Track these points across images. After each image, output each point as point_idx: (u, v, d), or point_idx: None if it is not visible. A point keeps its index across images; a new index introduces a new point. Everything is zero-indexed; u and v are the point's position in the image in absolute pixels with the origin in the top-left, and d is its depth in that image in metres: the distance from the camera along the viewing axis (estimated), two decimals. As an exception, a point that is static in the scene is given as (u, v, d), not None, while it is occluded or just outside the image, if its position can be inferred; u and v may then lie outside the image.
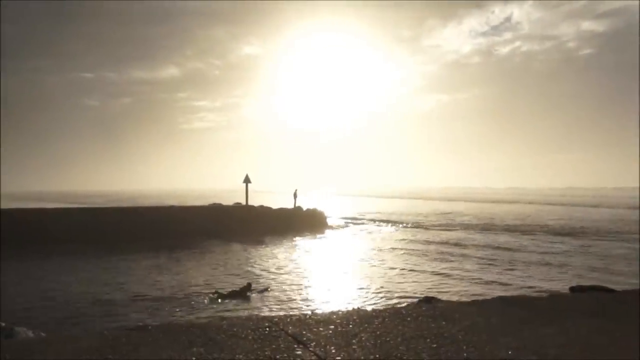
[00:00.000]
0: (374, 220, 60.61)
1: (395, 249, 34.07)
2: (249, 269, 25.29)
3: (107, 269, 25.38)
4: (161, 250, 32.54)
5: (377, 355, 3.41)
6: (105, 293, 19.64)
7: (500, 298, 5.94)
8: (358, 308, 5.36)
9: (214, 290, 19.26)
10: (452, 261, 28.34)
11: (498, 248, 34.43)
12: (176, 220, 40.26)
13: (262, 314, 15.72)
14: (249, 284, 19.70)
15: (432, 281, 22.61)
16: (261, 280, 21.90)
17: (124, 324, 13.87)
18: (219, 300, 18.09)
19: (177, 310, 16.86)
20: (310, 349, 3.55)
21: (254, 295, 19.07)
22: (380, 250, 33.26)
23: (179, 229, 39.29)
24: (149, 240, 36.06)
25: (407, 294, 19.77)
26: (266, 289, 19.96)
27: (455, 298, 18.61)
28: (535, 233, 44.81)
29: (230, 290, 19.23)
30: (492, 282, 22.41)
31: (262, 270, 24.85)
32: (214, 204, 49.73)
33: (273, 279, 22.48)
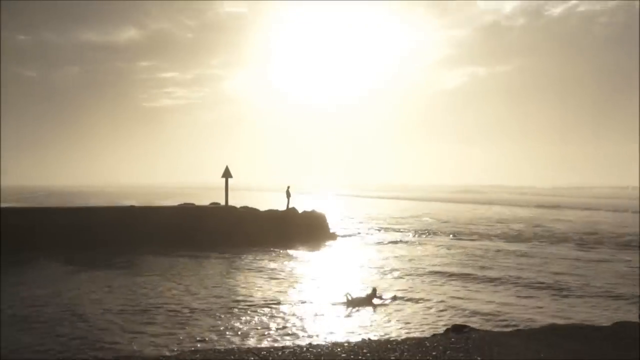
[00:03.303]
0: (387, 227, 60.67)
1: (419, 262, 34.32)
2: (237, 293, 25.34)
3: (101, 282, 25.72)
4: (119, 262, 32.90)
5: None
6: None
7: (551, 327, 5.96)
8: (368, 339, 5.38)
9: (345, 293, 22.17)
10: (486, 278, 28.49)
11: (538, 263, 34.59)
12: (137, 225, 40.25)
13: (246, 346, 15.78)
14: (374, 290, 22.55)
15: (462, 303, 22.68)
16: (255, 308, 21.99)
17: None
18: (350, 308, 21.36)
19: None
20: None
21: (379, 302, 22.12)
22: (401, 265, 33.43)
23: (140, 235, 39.29)
24: (102, 248, 36.39)
25: (431, 320, 19.90)
26: (394, 298, 22.83)
27: (492, 325, 18.66)
28: (590, 244, 44.96)
29: (357, 296, 22.15)
30: (536, 305, 22.48)
31: (255, 297, 24.96)
32: (185, 204, 49.79)
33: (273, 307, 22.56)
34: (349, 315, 20.73)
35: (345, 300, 22.08)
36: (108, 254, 35.22)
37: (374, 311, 21.28)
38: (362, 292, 22.95)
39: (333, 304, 22.06)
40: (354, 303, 21.83)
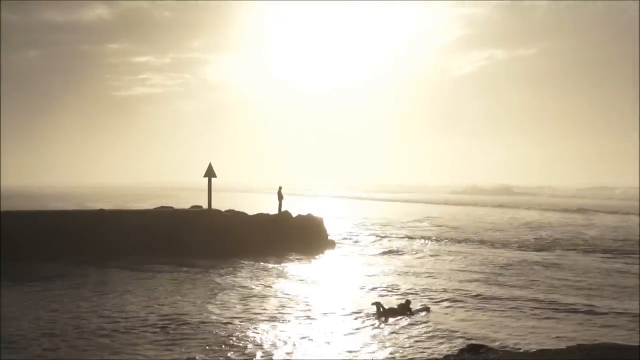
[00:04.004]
0: (391, 234, 60.89)
1: (429, 274, 34.76)
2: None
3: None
4: (80, 277, 33.12)
5: None
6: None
7: (578, 347, 6.15)
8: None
9: (374, 302, 24.03)
10: (508, 293, 28.88)
11: (566, 275, 35.01)
12: (107, 231, 40.33)
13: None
14: (408, 302, 24.22)
15: (478, 318, 23.05)
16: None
17: None
18: (382, 318, 22.86)
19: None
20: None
21: (412, 315, 23.47)
22: (409, 278, 33.94)
23: (109, 244, 39.37)
24: (63, 260, 36.61)
25: (444, 340, 20.14)
26: (426, 310, 24.35)
27: (512, 345, 18.85)
28: (624, 253, 45.33)
29: (389, 306, 23.75)
30: (564, 325, 22.72)
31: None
32: (162, 207, 49.85)
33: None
34: (351, 333, 21.06)
35: (376, 310, 23.40)
36: (69, 266, 35.40)
37: (407, 323, 22.31)
38: (391, 303, 24.44)
39: (367, 315, 23.39)
40: (387, 314, 23.11)
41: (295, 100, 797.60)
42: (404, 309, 23.65)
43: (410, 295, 27.35)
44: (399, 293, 28.67)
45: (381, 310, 23.36)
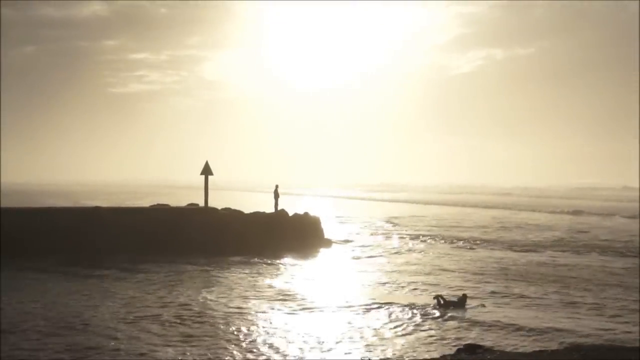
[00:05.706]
0: (388, 233, 60.98)
1: (429, 274, 34.81)
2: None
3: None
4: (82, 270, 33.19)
5: None
6: None
7: (576, 347, 6.00)
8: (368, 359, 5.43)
9: (435, 295, 25.53)
10: (499, 292, 28.89)
11: (559, 271, 35.26)
12: (103, 228, 40.28)
13: None
14: (465, 296, 25.45)
15: (477, 318, 22.83)
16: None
17: None
18: (442, 309, 24.12)
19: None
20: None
21: (470, 308, 24.65)
22: (409, 278, 33.77)
23: (104, 242, 39.33)
24: (64, 254, 36.72)
25: (441, 338, 20.09)
26: (482, 305, 25.38)
27: (509, 345, 18.78)
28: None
29: (449, 299, 25.16)
30: (558, 319, 22.72)
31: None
32: (159, 205, 49.82)
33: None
34: (349, 332, 21.00)
35: (436, 302, 24.79)
36: (62, 265, 35.30)
37: (464, 316, 23.38)
38: (453, 297, 25.91)
39: (424, 307, 24.62)
40: (447, 306, 24.47)
41: (292, 98, 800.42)
42: (462, 302, 24.78)
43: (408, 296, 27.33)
44: (400, 293, 28.71)
45: (441, 302, 24.55)
